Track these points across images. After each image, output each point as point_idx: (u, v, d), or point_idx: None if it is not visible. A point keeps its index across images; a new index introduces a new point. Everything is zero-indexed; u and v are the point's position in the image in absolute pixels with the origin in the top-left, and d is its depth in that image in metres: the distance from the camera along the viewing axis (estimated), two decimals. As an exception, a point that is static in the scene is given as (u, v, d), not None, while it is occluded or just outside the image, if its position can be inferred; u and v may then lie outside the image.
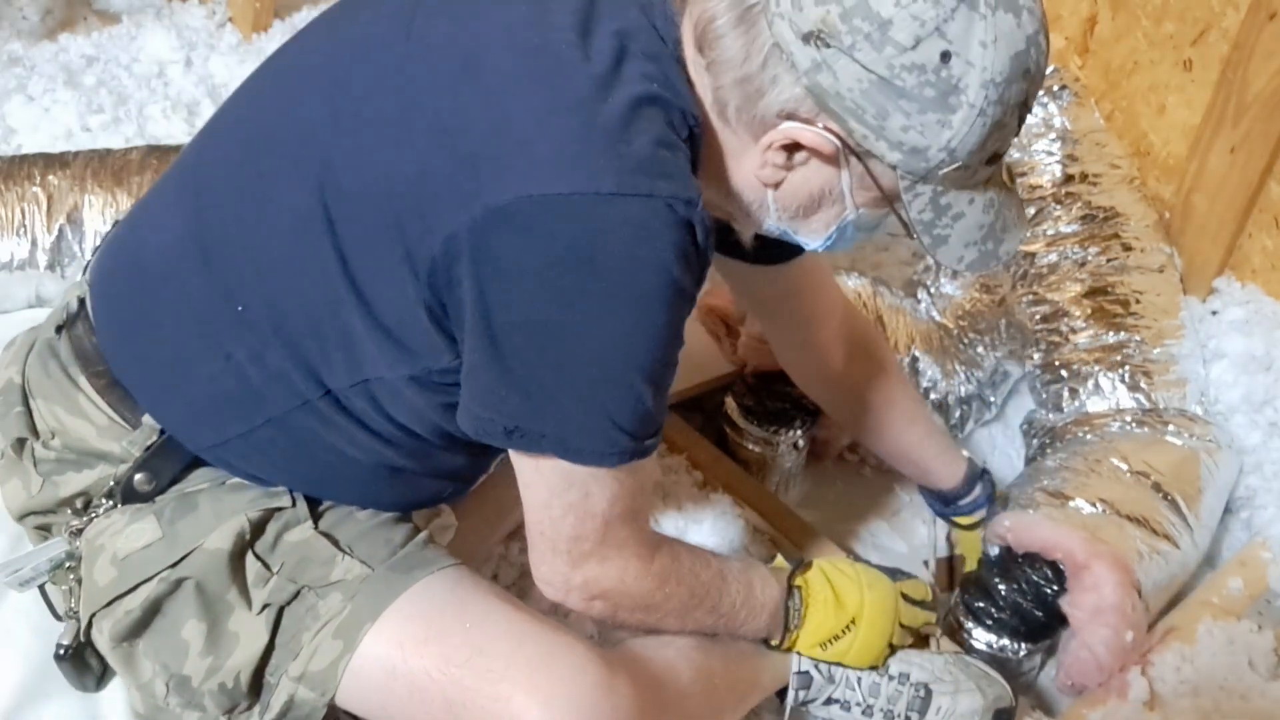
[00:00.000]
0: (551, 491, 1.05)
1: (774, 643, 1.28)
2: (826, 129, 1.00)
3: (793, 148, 1.02)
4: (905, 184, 1.02)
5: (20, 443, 1.18)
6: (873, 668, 1.32)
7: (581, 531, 1.07)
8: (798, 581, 1.29)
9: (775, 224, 1.10)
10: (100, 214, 1.65)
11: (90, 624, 1.14)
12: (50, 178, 1.67)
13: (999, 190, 1.06)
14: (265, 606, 1.11)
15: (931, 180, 1.01)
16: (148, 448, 1.13)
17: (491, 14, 1.04)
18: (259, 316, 1.08)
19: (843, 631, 1.29)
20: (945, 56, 0.94)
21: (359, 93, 1.05)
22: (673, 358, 1.02)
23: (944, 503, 1.59)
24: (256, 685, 1.11)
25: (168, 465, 1.14)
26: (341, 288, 1.04)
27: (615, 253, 0.95)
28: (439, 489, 1.22)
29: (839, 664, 1.31)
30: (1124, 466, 1.57)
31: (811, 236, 1.11)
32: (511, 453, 1.06)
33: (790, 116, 1.00)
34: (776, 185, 1.06)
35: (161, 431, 1.13)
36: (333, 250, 1.04)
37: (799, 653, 1.30)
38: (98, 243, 1.29)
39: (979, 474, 1.58)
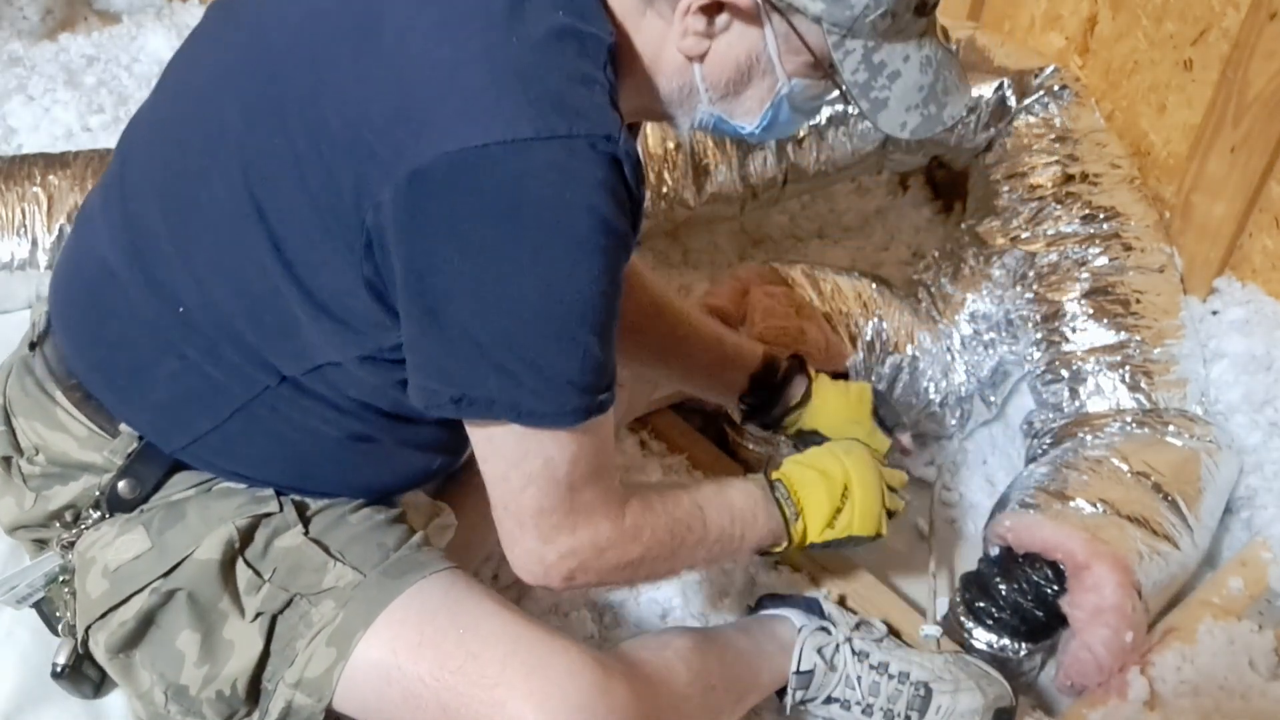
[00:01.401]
0: (509, 462, 1.02)
1: (781, 546, 1.25)
2: None
3: (712, 8, 0.99)
4: (834, 39, 0.98)
5: (6, 461, 1.18)
6: (877, 535, 1.28)
7: (546, 503, 1.03)
8: (775, 476, 1.25)
9: (707, 109, 1.06)
10: (100, 214, 1.66)
11: (87, 636, 1.14)
12: (50, 178, 1.67)
13: (935, 48, 1.03)
14: (258, 615, 1.10)
15: (860, 34, 0.98)
16: (128, 455, 1.13)
17: None
18: (201, 317, 1.07)
19: (841, 502, 1.25)
20: None
21: (265, 76, 1.02)
22: (615, 305, 0.97)
23: (765, 391, 1.48)
24: (254, 692, 1.11)
25: (150, 471, 1.13)
26: (279, 278, 1.02)
27: (541, 198, 0.91)
28: (426, 462, 1.19)
29: (848, 539, 1.26)
30: (1124, 467, 1.57)
31: (746, 118, 1.07)
32: (466, 426, 1.03)
33: None
34: (701, 58, 1.02)
35: (140, 438, 1.13)
36: (266, 241, 1.01)
37: (812, 543, 1.25)
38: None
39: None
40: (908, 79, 1.01)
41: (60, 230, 1.65)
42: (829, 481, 1.26)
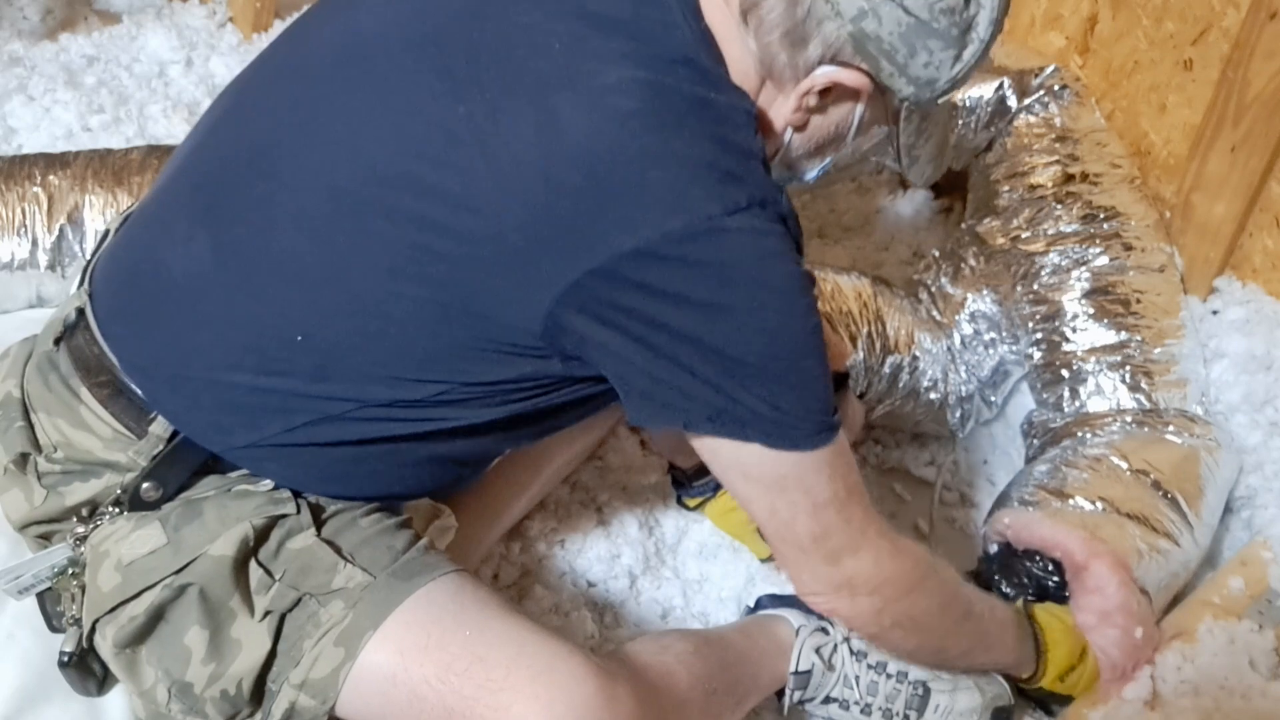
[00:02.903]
0: (771, 495, 1.10)
1: (1026, 675, 1.37)
2: (859, 69, 1.08)
3: (828, 90, 1.10)
4: (905, 113, 1.12)
5: (23, 457, 1.17)
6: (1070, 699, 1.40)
7: (819, 527, 1.11)
8: (1026, 611, 1.39)
9: (780, 167, 1.17)
10: (101, 214, 1.65)
11: (93, 630, 1.14)
12: (51, 178, 1.67)
13: (947, 108, 1.18)
14: (267, 614, 1.11)
15: (924, 109, 1.12)
16: (154, 456, 1.13)
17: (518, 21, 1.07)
18: (325, 346, 1.09)
19: (1078, 661, 1.38)
20: None
21: (430, 140, 1.05)
22: (821, 330, 1.08)
23: (685, 482, 1.60)
24: (258, 692, 1.11)
25: (175, 473, 1.14)
26: (440, 328, 1.07)
27: (744, 262, 1.02)
28: (461, 472, 1.24)
29: (1068, 696, 1.40)
30: (1124, 465, 1.57)
31: (807, 170, 1.20)
32: (717, 470, 1.12)
33: (830, 61, 1.07)
34: (801, 127, 1.14)
35: (169, 440, 1.13)
36: (431, 299, 1.06)
37: (1041, 687, 1.38)
38: (95, 247, 1.29)
39: None
40: (934, 141, 1.16)
41: (61, 230, 1.65)
42: (1073, 639, 1.40)
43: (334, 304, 1.08)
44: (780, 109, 1.12)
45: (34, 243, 1.65)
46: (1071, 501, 1.51)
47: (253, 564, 1.12)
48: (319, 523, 1.15)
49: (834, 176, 1.95)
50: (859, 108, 1.12)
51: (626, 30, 1.06)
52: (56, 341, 1.19)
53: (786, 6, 1.06)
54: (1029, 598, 1.46)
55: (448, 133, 1.05)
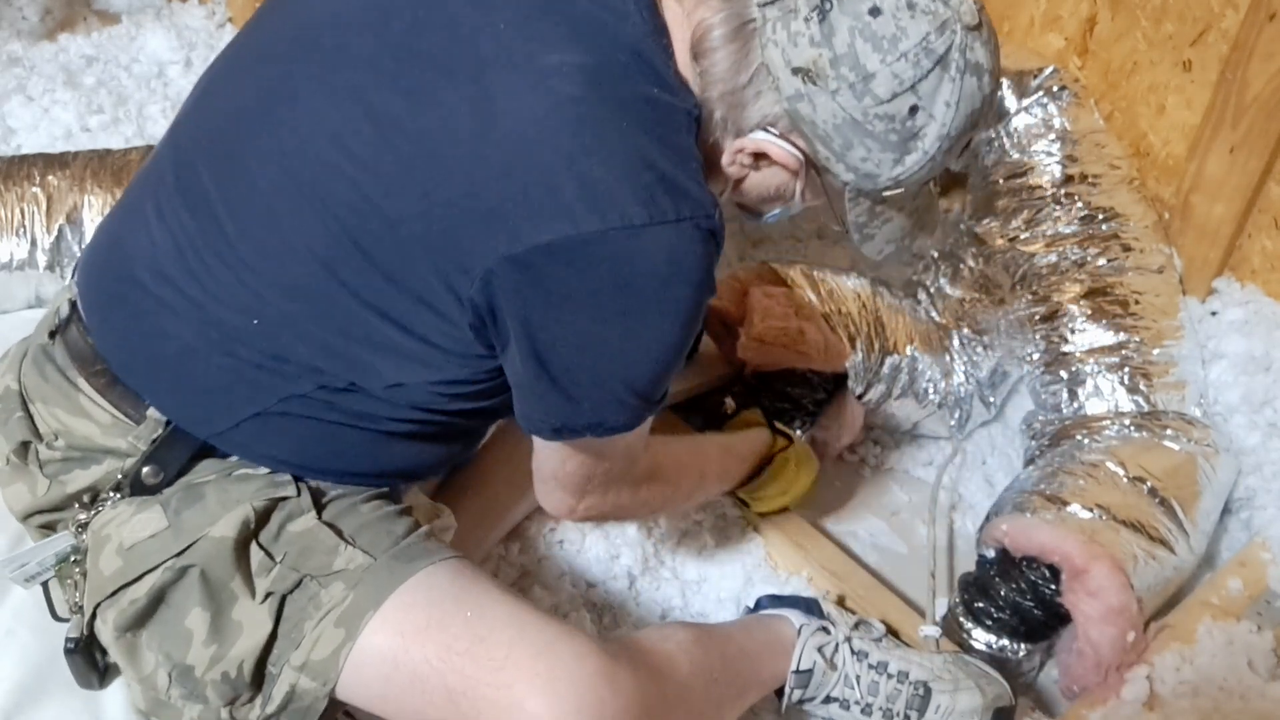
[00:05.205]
0: (572, 454, 1.16)
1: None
2: (794, 145, 1.10)
3: (761, 155, 1.11)
4: (850, 195, 1.13)
5: (24, 446, 1.19)
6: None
7: (589, 476, 1.19)
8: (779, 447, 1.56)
9: (729, 208, 1.18)
10: (100, 214, 1.66)
11: (94, 616, 1.14)
12: (50, 178, 1.67)
13: (925, 198, 1.19)
14: (268, 595, 1.11)
15: (873, 197, 1.13)
16: (153, 441, 1.14)
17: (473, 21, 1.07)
18: (278, 329, 1.11)
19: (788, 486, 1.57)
20: (913, 110, 1.05)
21: (369, 119, 1.06)
22: (692, 335, 1.10)
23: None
24: (259, 676, 1.11)
25: (174, 457, 1.15)
26: (373, 316, 1.08)
27: (650, 275, 1.03)
28: (452, 450, 1.26)
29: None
30: (1121, 471, 1.57)
31: (763, 214, 1.22)
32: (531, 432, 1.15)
33: (765, 128, 1.09)
34: (739, 182, 1.16)
35: (167, 424, 1.14)
36: (367, 272, 1.07)
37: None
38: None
39: None
40: (896, 224, 1.17)
41: (60, 230, 1.65)
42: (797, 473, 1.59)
43: (281, 288, 1.09)
44: (723, 155, 1.13)
45: (33, 243, 1.65)
46: (1068, 508, 1.51)
47: (254, 546, 1.13)
48: (319, 506, 1.16)
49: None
50: (798, 180, 1.13)
51: (575, 15, 1.06)
52: (51, 335, 1.20)
53: (730, 67, 1.07)
54: (1028, 600, 1.46)
55: (385, 113, 1.05)
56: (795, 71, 1.05)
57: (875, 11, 1.02)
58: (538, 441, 1.17)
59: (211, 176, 1.12)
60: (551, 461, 1.19)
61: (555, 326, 1.04)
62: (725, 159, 1.13)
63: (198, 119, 1.18)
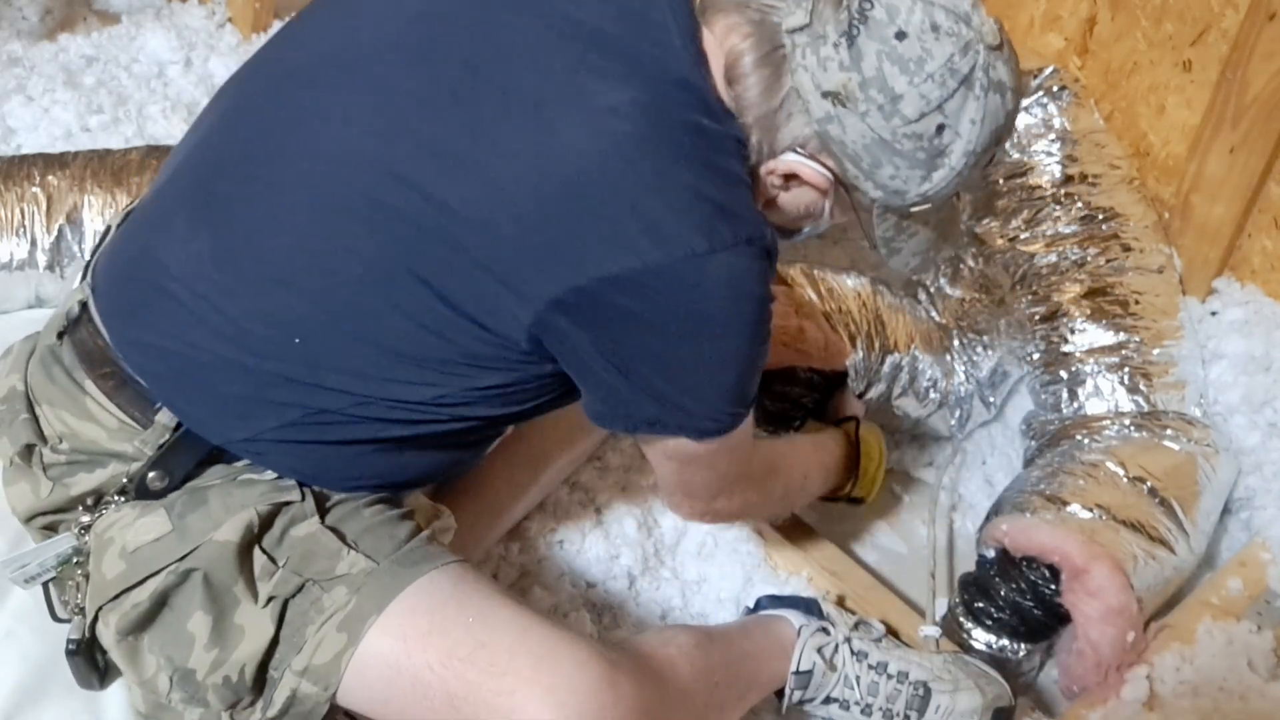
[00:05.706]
0: (683, 466, 1.21)
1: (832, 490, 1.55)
2: (824, 165, 1.13)
3: (791, 176, 1.14)
4: (878, 211, 1.16)
5: (29, 449, 1.18)
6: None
7: (710, 486, 1.26)
8: (856, 435, 1.58)
9: None
10: (100, 214, 1.65)
11: (96, 619, 1.14)
12: (50, 178, 1.67)
13: (949, 212, 1.22)
14: (270, 599, 1.11)
15: (900, 212, 1.17)
16: (160, 446, 1.14)
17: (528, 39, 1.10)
18: (321, 348, 1.11)
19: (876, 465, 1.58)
20: (940, 129, 1.09)
21: (430, 153, 1.07)
22: (765, 353, 1.15)
23: None
24: (260, 680, 1.11)
25: (181, 462, 1.15)
26: (427, 334, 1.09)
27: (716, 299, 1.07)
28: (462, 456, 1.26)
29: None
30: (1121, 471, 1.57)
31: (794, 233, 1.25)
32: (642, 445, 1.22)
33: (795, 150, 1.13)
34: (769, 201, 1.18)
35: (174, 430, 1.14)
36: (427, 299, 1.08)
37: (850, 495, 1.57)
38: (96, 243, 1.29)
39: None
40: (922, 237, 1.21)
41: (60, 230, 1.65)
42: (876, 445, 1.62)
43: (324, 309, 1.10)
44: (760, 171, 1.16)
45: (33, 243, 1.65)
46: (1068, 508, 1.51)
47: (256, 550, 1.13)
48: (323, 511, 1.16)
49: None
50: (828, 199, 1.17)
51: (625, 50, 1.09)
52: (60, 336, 1.20)
53: (762, 92, 1.11)
54: (1028, 600, 1.46)
55: (441, 145, 1.07)
56: (825, 95, 1.08)
57: (901, 35, 1.06)
58: (653, 458, 1.22)
59: (247, 195, 1.13)
60: (669, 476, 1.24)
61: (626, 350, 1.08)
62: (760, 180, 1.16)
63: (233, 130, 1.18)
